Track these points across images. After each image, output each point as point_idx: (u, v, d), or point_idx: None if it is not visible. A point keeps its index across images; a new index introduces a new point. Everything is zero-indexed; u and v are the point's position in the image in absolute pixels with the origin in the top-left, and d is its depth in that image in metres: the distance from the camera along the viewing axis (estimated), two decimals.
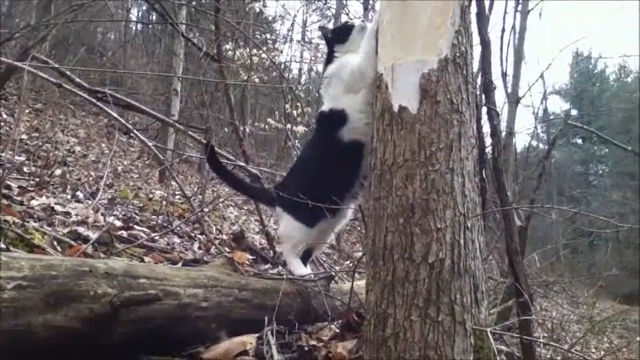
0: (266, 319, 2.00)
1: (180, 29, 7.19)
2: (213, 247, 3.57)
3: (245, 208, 7.38)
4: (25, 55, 4.21)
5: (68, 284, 1.42)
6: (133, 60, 11.51)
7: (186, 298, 1.80)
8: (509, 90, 7.75)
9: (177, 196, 5.55)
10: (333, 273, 2.96)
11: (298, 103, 6.88)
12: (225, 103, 5.47)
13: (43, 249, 2.20)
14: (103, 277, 1.52)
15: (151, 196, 5.42)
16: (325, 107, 2.55)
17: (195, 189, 6.39)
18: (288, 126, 6.78)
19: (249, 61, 6.41)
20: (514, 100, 7.78)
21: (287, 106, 7.13)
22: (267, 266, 3.54)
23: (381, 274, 1.63)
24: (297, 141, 6.41)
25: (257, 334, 1.95)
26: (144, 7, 13.54)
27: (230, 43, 7.04)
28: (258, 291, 2.18)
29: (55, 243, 2.38)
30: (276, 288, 2.20)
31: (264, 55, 6.77)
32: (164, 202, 4.18)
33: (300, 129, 7.07)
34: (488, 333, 1.75)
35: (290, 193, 2.46)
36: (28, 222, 2.50)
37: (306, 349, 2.01)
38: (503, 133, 7.48)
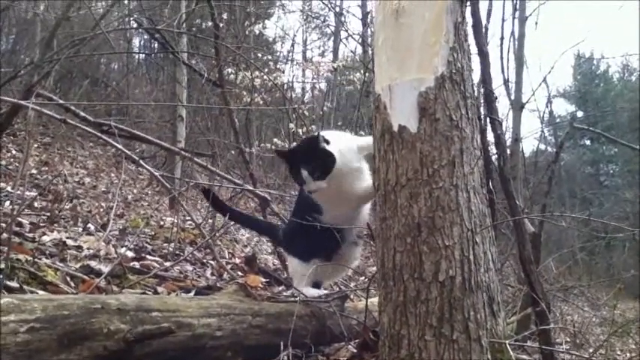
0: (282, 344, 1.99)
1: (182, 57, 7.26)
2: (226, 272, 3.57)
3: None
4: (29, 93, 4.26)
5: (81, 323, 1.43)
6: (137, 89, 11.61)
7: (199, 328, 1.80)
8: (513, 97, 7.75)
9: (189, 222, 5.55)
10: (348, 292, 2.94)
11: (303, 122, 6.92)
12: (230, 126, 5.51)
13: (56, 285, 2.20)
14: (115, 313, 1.53)
15: (162, 223, 5.42)
16: (307, 181, 2.39)
17: (206, 213, 6.39)
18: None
19: (251, 84, 6.45)
20: (518, 106, 7.77)
21: (292, 125, 7.17)
22: (280, 288, 3.52)
23: (392, 294, 1.63)
24: None
25: None
26: (145, 36, 13.70)
27: (232, 67, 7.10)
28: (272, 316, 2.17)
29: (68, 278, 2.38)
30: (290, 311, 2.18)
31: (266, 77, 6.81)
32: (175, 230, 4.18)
33: None
34: (507, 345, 1.74)
35: (288, 235, 2.78)
36: (40, 259, 2.50)
37: None
38: (509, 141, 7.46)
